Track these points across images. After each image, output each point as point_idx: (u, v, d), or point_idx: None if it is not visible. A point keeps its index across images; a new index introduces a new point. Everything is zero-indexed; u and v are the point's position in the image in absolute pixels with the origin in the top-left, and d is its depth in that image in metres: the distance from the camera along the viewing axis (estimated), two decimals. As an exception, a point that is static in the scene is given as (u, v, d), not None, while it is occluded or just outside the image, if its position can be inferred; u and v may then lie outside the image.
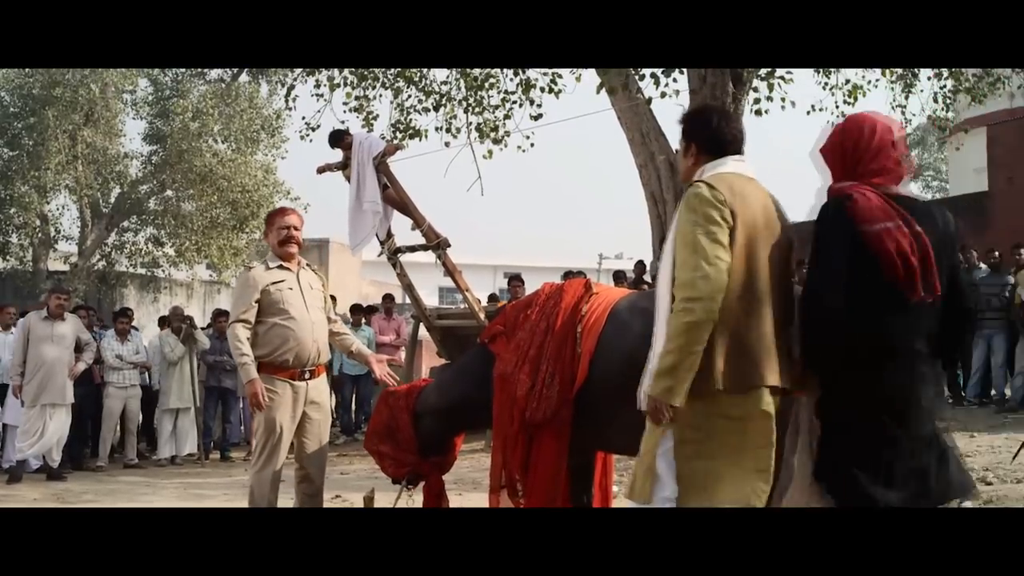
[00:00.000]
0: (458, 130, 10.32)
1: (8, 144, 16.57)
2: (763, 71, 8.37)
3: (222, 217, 17.29)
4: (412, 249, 9.15)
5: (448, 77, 10.29)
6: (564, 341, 3.77)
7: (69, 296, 9.30)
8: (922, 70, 10.32)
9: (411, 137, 10.21)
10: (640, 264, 11.59)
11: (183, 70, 17.16)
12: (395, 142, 9.39)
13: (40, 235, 16.88)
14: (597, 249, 36.75)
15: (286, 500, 4.73)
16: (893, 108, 10.75)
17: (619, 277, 11.79)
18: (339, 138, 8.92)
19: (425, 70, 10.12)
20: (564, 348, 3.76)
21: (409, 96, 10.32)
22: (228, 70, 17.40)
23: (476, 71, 9.80)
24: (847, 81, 9.80)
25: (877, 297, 2.70)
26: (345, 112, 10.41)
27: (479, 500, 5.58)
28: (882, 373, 2.69)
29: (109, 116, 16.83)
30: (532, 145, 10.39)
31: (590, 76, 9.09)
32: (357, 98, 10.14)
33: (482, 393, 3.97)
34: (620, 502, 4.76)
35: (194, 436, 10.31)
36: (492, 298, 11.30)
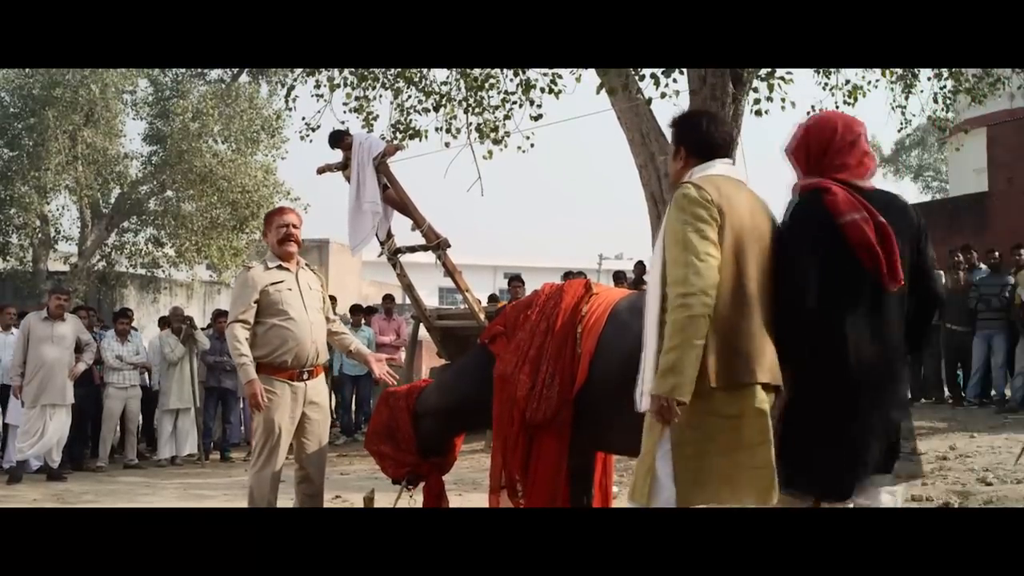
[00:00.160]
0: (458, 130, 10.32)
1: (8, 144, 16.56)
2: (763, 71, 8.36)
3: (222, 217, 17.28)
4: (412, 249, 9.16)
5: (448, 77, 10.29)
6: (564, 342, 3.77)
7: (69, 297, 9.31)
8: (922, 70, 10.32)
9: (411, 137, 10.20)
10: (640, 264, 11.59)
11: (183, 70, 17.16)
12: (395, 142, 9.39)
13: (40, 235, 16.87)
14: (597, 249, 36.82)
15: (286, 500, 4.72)
16: (893, 108, 10.75)
17: (619, 277, 11.80)
18: (339, 138, 8.93)
19: (425, 70, 10.11)
20: (564, 348, 3.77)
21: (409, 96, 10.32)
22: (228, 70, 17.39)
23: (476, 71, 9.80)
24: (847, 81, 9.80)
25: (854, 287, 2.80)
26: (345, 112, 10.41)
27: (479, 500, 5.58)
28: (857, 363, 2.77)
29: (109, 116, 16.81)
30: (532, 146, 10.39)
31: (590, 76, 9.09)
32: (357, 98, 10.13)
33: (482, 394, 3.97)
34: (620, 502, 4.76)
35: (194, 436, 10.32)
36: (492, 298, 11.30)
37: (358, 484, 6.94)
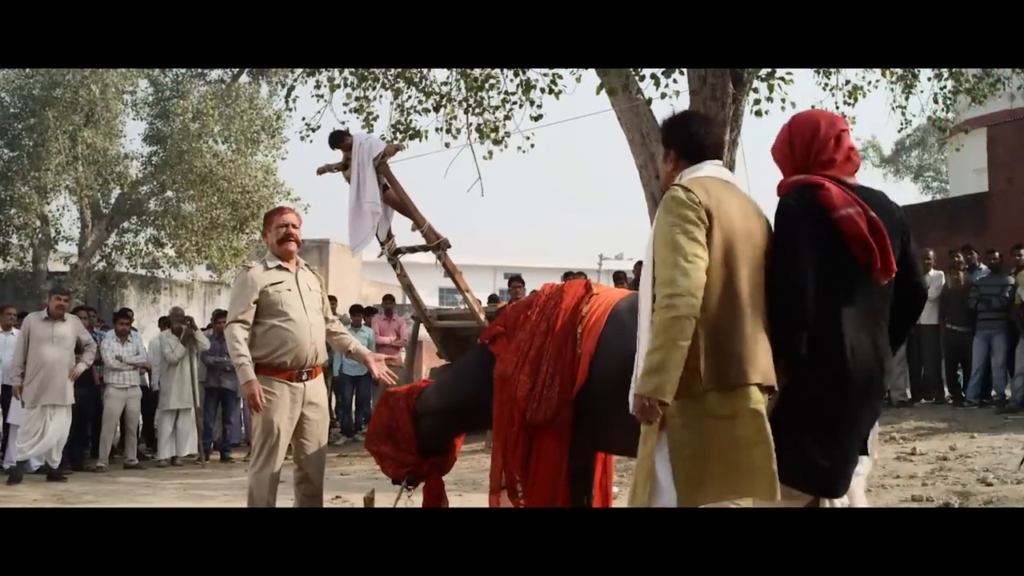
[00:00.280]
0: (458, 131, 10.31)
1: (8, 145, 16.56)
2: (763, 71, 8.36)
3: (222, 218, 17.28)
4: (412, 250, 9.16)
5: (448, 78, 10.29)
6: (564, 342, 3.77)
7: (69, 297, 9.31)
8: (922, 70, 10.32)
9: (411, 138, 10.20)
10: (640, 265, 11.58)
11: (183, 71, 17.15)
12: (395, 143, 9.38)
13: (40, 236, 16.87)
14: (597, 249, 36.84)
15: (286, 501, 4.72)
16: (893, 108, 10.74)
17: (619, 278, 11.80)
18: (339, 139, 8.93)
19: (425, 71, 10.11)
20: (564, 349, 3.76)
21: (409, 97, 10.31)
22: (228, 71, 17.37)
23: (476, 72, 9.79)
24: (847, 82, 9.79)
25: (848, 282, 2.84)
26: (345, 113, 10.41)
27: (479, 501, 5.58)
28: (852, 358, 2.81)
29: (109, 117, 16.81)
30: (532, 146, 10.39)
31: (590, 77, 9.09)
32: (357, 99, 10.13)
33: (482, 394, 3.97)
34: (620, 502, 4.76)
35: (194, 437, 10.32)
36: (492, 299, 11.30)
37: (358, 484, 6.94)
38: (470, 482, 7.00)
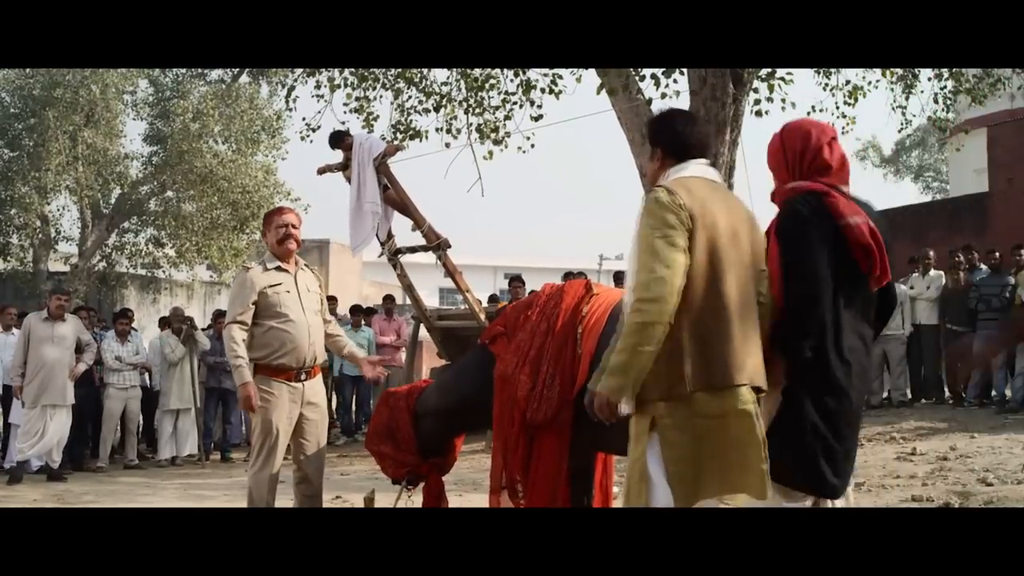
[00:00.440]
0: (458, 131, 10.31)
1: (9, 145, 16.55)
2: (763, 72, 8.36)
3: (222, 218, 17.28)
4: (412, 250, 9.16)
5: (448, 78, 10.28)
6: (565, 342, 3.77)
7: (69, 297, 9.31)
8: (922, 71, 10.31)
9: (411, 138, 10.19)
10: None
11: (183, 71, 17.15)
12: (395, 143, 9.38)
13: (40, 236, 16.86)
14: (598, 249, 36.77)
15: (286, 501, 4.72)
16: (893, 109, 10.73)
17: (619, 278, 11.79)
18: (339, 139, 8.93)
19: (425, 71, 10.11)
20: (565, 349, 3.76)
21: (409, 97, 10.31)
22: (228, 71, 17.37)
23: (476, 72, 9.79)
24: (847, 82, 9.79)
25: (850, 287, 2.93)
26: (345, 113, 10.41)
27: (479, 501, 5.58)
28: (851, 361, 2.91)
29: (109, 117, 16.81)
30: (532, 146, 10.38)
31: (590, 77, 9.08)
32: (357, 99, 10.13)
33: (482, 394, 3.97)
34: (620, 503, 4.76)
35: (194, 437, 10.32)
36: (492, 299, 11.29)
37: (358, 484, 6.94)
38: (470, 482, 7.00)
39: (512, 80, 9.84)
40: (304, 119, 10.40)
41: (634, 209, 2.88)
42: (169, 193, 17.77)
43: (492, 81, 9.97)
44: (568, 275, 9.18)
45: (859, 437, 3.07)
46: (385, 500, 4.59)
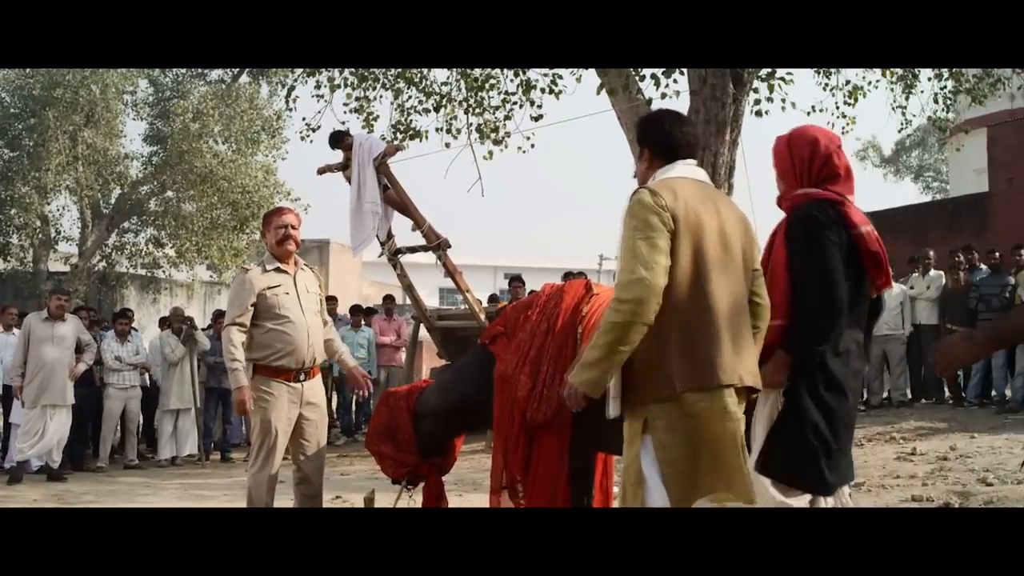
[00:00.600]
0: (458, 131, 10.30)
1: (9, 145, 16.56)
2: (763, 71, 8.36)
3: (222, 218, 17.28)
4: (412, 250, 9.16)
5: (448, 78, 10.28)
6: (565, 342, 3.77)
7: (69, 297, 9.31)
8: (922, 71, 10.31)
9: (411, 138, 10.19)
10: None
11: (183, 71, 17.15)
12: (395, 143, 9.39)
13: (40, 236, 16.87)
14: (597, 249, 36.81)
15: (286, 501, 4.72)
16: (893, 109, 10.73)
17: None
18: (339, 139, 8.94)
19: (425, 71, 10.11)
20: (565, 349, 3.76)
21: (409, 97, 10.31)
22: (228, 71, 17.38)
23: (476, 72, 9.79)
24: (847, 82, 9.78)
25: (857, 292, 3.05)
26: (345, 113, 10.40)
27: (479, 501, 5.58)
28: (854, 363, 3.04)
29: (109, 117, 16.82)
30: (532, 146, 10.38)
31: (590, 77, 9.07)
32: (357, 99, 10.12)
33: (482, 394, 3.97)
34: (617, 505, 4.75)
35: (194, 437, 10.32)
36: (492, 299, 11.30)
37: (358, 484, 6.94)
38: (470, 482, 7.00)
39: (512, 80, 9.84)
40: (304, 119, 10.40)
41: (633, 210, 2.88)
42: (169, 193, 17.77)
43: (492, 81, 9.96)
44: (568, 275, 9.18)
45: (858, 437, 3.11)
46: (385, 500, 4.59)
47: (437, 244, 8.76)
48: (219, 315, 10.77)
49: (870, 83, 9.89)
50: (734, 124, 8.00)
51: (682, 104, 8.55)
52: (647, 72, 8.52)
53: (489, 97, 10.11)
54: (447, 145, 10.21)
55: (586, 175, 77.84)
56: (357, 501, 5.52)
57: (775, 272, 3.05)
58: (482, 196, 13.48)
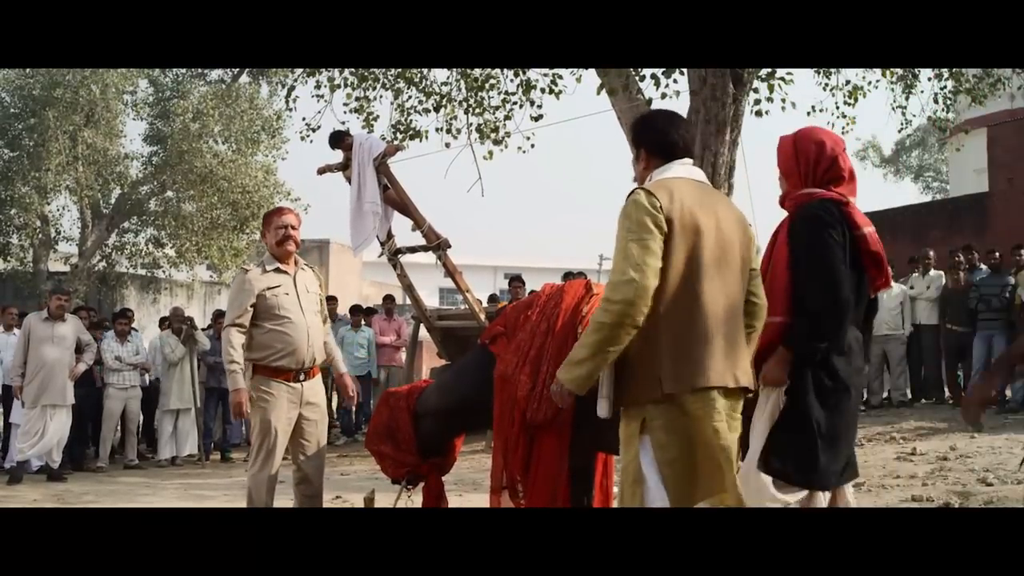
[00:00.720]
0: (458, 131, 10.30)
1: (9, 145, 16.56)
2: (763, 71, 8.36)
3: (222, 218, 17.28)
4: (412, 250, 9.17)
5: (448, 78, 10.28)
6: (565, 342, 3.76)
7: (69, 297, 9.31)
8: (922, 71, 10.31)
9: (411, 138, 10.19)
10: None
11: (183, 71, 17.15)
12: (395, 143, 9.39)
13: (40, 236, 16.86)
14: (598, 249, 36.77)
15: (286, 501, 4.72)
16: (893, 109, 10.73)
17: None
18: (339, 139, 8.94)
19: (425, 71, 10.11)
20: (565, 349, 3.74)
21: (409, 97, 10.31)
22: (228, 71, 17.39)
23: (476, 72, 9.79)
24: (847, 82, 9.78)
25: (858, 292, 3.09)
26: (345, 113, 10.40)
27: (479, 501, 5.58)
28: (856, 362, 3.08)
29: (109, 117, 16.81)
30: (532, 146, 10.38)
31: (590, 77, 9.07)
32: (357, 99, 10.12)
33: (482, 394, 3.97)
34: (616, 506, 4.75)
35: (194, 437, 10.32)
36: (492, 299, 11.30)
37: (358, 484, 6.94)
38: (470, 482, 7.00)
39: (512, 80, 9.84)
40: (304, 119, 10.40)
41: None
42: (169, 193, 17.77)
43: (492, 81, 9.97)
44: (568, 275, 9.19)
45: (859, 437, 3.14)
46: (385, 500, 4.59)
47: (437, 244, 8.76)
48: (219, 315, 10.77)
49: (870, 83, 9.90)
50: (734, 124, 8.00)
51: (682, 104, 8.57)
52: (647, 72, 8.52)
53: (489, 97, 10.11)
54: (447, 145, 10.21)
55: (586, 175, 77.91)
56: (357, 501, 5.52)
57: (776, 270, 3.06)
58: (482, 196, 13.50)
